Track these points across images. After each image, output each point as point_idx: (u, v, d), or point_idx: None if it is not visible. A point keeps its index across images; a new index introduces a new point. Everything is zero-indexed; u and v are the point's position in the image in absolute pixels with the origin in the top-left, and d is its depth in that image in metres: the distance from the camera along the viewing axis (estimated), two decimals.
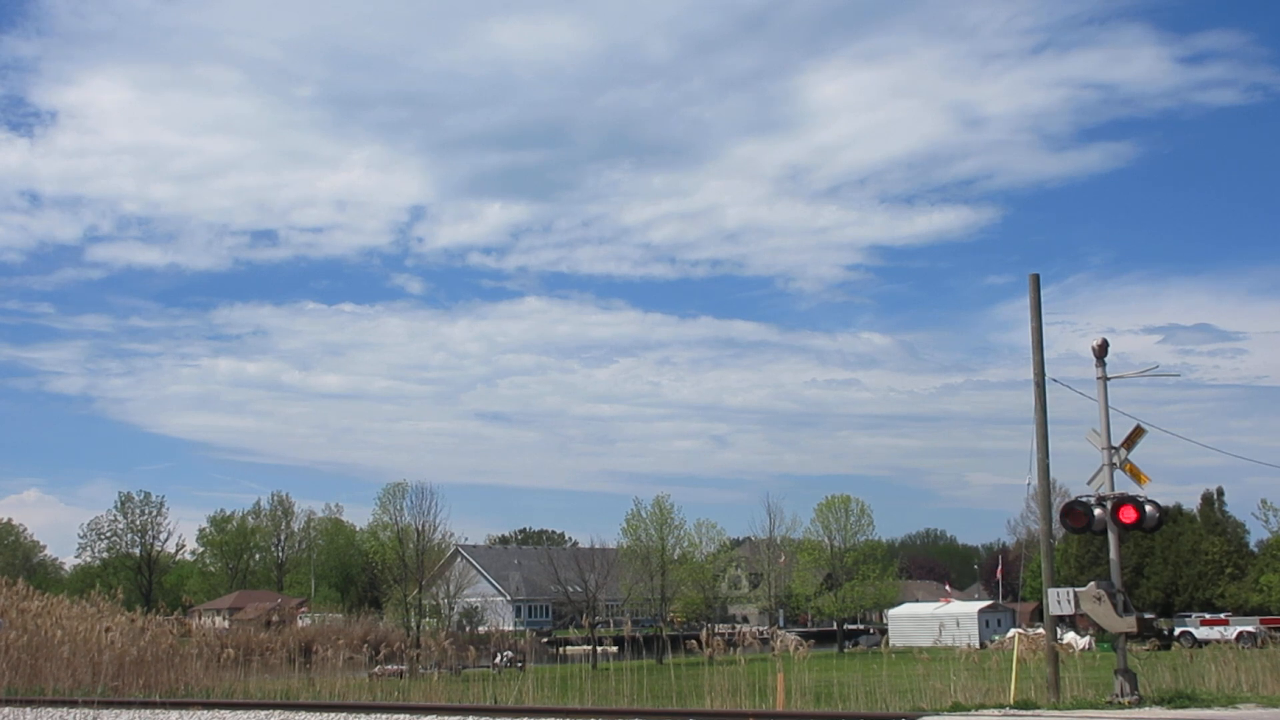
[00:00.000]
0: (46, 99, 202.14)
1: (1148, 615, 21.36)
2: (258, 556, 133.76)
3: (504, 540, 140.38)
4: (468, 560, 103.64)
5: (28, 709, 18.05)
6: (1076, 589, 20.50)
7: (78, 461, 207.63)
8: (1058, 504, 23.38)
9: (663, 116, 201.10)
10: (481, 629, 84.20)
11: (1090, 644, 54.29)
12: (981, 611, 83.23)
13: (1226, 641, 47.13)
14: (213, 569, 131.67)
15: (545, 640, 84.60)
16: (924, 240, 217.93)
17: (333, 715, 17.37)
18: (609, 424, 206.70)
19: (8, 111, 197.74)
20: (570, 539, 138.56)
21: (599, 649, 69.70)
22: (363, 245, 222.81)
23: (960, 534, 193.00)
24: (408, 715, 16.87)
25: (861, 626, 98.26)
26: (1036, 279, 24.66)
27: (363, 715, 17.76)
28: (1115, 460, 21.21)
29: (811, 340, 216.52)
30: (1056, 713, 18.81)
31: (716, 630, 63.94)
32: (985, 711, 19.05)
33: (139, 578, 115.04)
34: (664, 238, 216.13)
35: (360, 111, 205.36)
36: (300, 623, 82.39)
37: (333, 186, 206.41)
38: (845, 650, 78.91)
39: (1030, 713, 18.95)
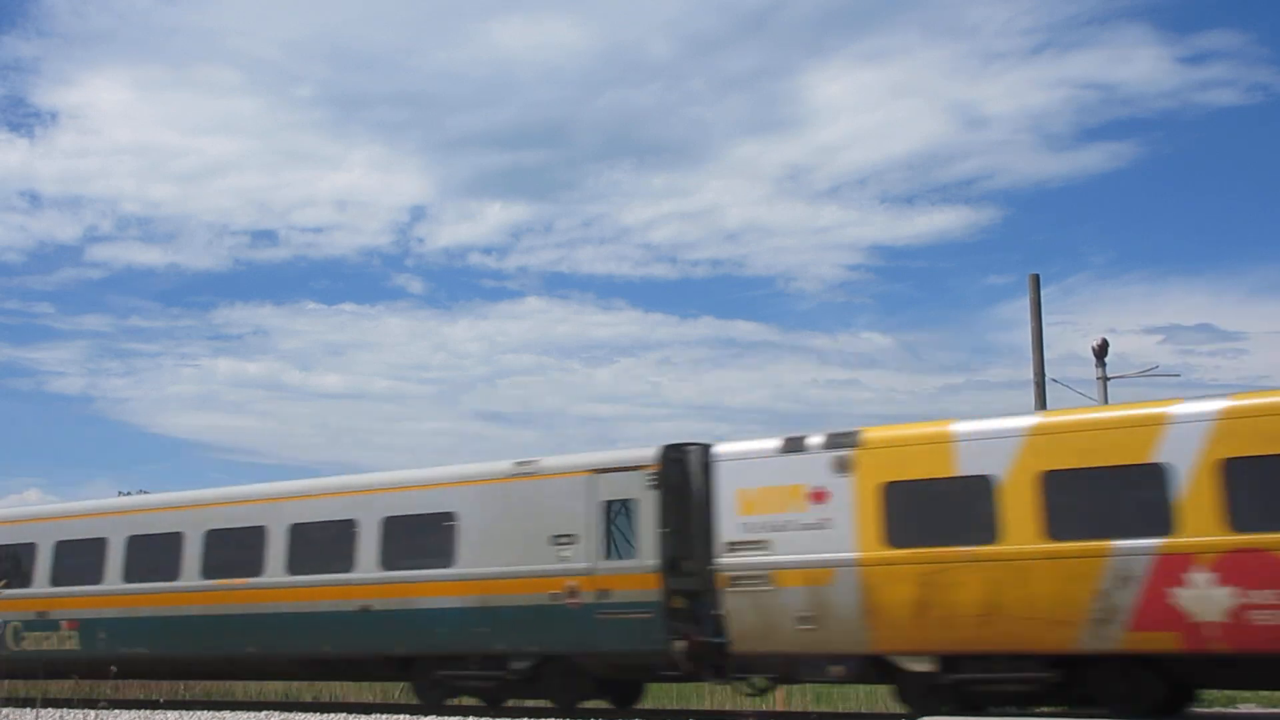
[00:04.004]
0: (46, 99, 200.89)
1: None
2: None
3: None
4: None
5: (28, 709, 18.04)
6: None
7: (78, 461, 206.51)
8: None
9: (663, 116, 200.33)
10: None
11: None
12: None
13: None
14: None
15: None
16: (924, 240, 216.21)
17: (333, 715, 17.36)
18: (609, 424, 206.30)
19: (8, 111, 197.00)
20: None
21: None
22: (363, 245, 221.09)
23: None
24: (408, 715, 16.86)
25: None
26: (1036, 279, 24.69)
27: (362, 715, 17.75)
28: None
29: (812, 340, 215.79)
30: (1056, 713, 18.78)
31: None
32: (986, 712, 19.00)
33: None
34: (664, 238, 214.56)
35: (360, 111, 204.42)
36: None
37: (333, 186, 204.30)
38: None
39: (1030, 713, 18.89)
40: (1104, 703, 14.02)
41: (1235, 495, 12.96)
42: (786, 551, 14.86)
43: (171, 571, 20.36)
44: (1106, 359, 25.13)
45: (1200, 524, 13.04)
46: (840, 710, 15.56)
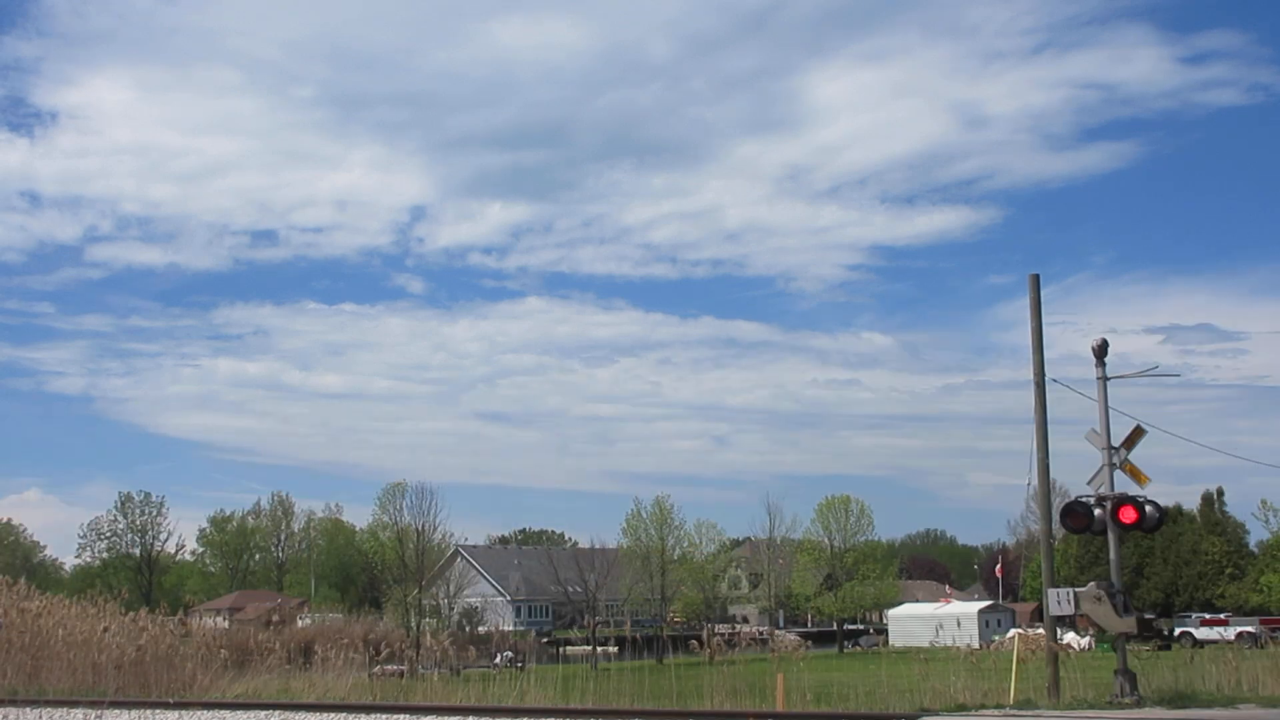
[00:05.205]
0: (47, 99, 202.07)
1: (1148, 615, 21.34)
2: (258, 557, 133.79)
3: (504, 540, 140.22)
4: (468, 560, 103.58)
5: (28, 709, 18.07)
6: (1076, 589, 20.49)
7: (78, 461, 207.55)
8: (1058, 504, 23.37)
9: (663, 116, 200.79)
10: (482, 629, 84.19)
11: (1090, 644, 54.31)
12: (981, 612, 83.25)
13: (1226, 642, 47.12)
14: (213, 569, 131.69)
15: (545, 640, 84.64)
16: (925, 240, 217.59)
17: (332, 715, 17.38)
18: (609, 424, 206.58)
19: (8, 112, 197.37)
20: (570, 539, 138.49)
21: (599, 649, 69.70)
22: (363, 245, 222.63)
23: (960, 534, 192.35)
24: (408, 715, 16.88)
25: (861, 627, 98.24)
26: (1036, 279, 24.65)
27: (363, 715, 17.76)
28: (1115, 460, 21.21)
29: (812, 340, 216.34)
30: (1056, 713, 18.84)
31: (716, 630, 63.95)
32: (986, 711, 19.06)
33: (139, 578, 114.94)
34: (665, 238, 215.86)
35: (360, 111, 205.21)
36: (300, 623, 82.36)
37: (333, 186, 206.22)
38: (844, 650, 78.93)
39: (1031, 713, 18.97)
40: None
41: None
42: None
43: None
44: (1106, 359, 25.11)
45: None
46: (840, 710, 15.61)
